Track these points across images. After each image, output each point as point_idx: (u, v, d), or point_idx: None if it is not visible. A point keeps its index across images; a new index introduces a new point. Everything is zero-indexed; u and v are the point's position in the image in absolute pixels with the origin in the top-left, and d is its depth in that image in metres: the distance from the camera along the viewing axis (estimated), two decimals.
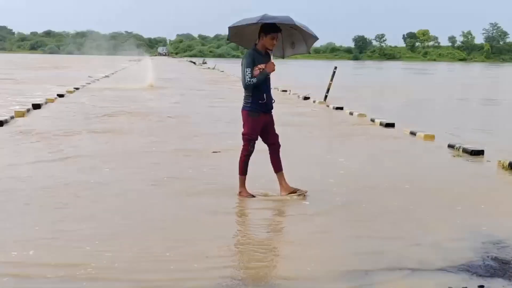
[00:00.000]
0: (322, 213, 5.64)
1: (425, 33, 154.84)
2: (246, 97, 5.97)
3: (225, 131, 10.99)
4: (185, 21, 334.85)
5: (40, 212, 5.38)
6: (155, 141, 9.78)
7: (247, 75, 5.75)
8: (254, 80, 5.76)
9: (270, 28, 5.74)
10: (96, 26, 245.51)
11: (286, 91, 22.61)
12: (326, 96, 18.81)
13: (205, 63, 68.87)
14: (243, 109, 6.03)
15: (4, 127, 10.90)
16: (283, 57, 6.48)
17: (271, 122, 6.13)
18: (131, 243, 4.56)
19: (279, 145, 6.22)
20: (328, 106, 17.20)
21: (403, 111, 17.82)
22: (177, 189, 6.47)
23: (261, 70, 5.79)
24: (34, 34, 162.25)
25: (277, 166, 6.21)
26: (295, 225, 5.33)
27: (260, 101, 5.90)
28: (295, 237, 4.95)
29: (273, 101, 6.06)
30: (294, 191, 6.19)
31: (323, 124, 13.37)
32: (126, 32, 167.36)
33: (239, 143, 6.15)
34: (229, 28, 5.97)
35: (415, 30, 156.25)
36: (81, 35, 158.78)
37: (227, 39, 6.28)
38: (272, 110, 6.12)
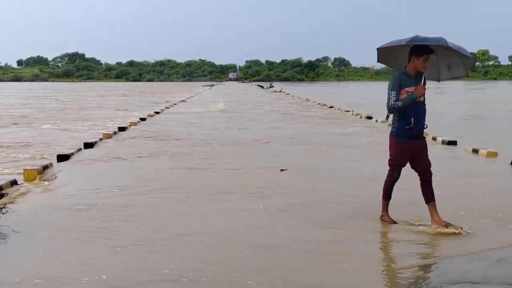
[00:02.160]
0: None
1: (485, 53, 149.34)
2: (393, 121, 5.49)
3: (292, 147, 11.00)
4: (253, 48, 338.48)
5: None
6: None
7: (391, 98, 5.26)
8: (400, 103, 5.24)
9: (422, 50, 5.21)
10: (173, 55, 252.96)
11: (349, 111, 22.38)
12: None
13: (272, 86, 69.38)
14: (390, 133, 5.54)
15: (94, 149, 11.35)
16: (438, 80, 5.88)
17: (421, 149, 5.46)
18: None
19: (431, 174, 5.45)
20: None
21: (461, 127, 17.19)
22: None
23: (409, 93, 5.28)
24: (119, 64, 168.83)
25: (427, 196, 5.43)
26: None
27: (406, 126, 5.31)
28: None
29: (425, 126, 5.45)
30: (446, 225, 5.28)
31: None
32: (200, 60, 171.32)
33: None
34: (378, 49, 5.56)
35: (475, 51, 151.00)
36: (160, 63, 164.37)
37: (377, 61, 5.77)
38: (424, 136, 5.55)
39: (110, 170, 8.78)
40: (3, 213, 5.28)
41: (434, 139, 12.94)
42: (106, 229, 5.28)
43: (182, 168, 8.95)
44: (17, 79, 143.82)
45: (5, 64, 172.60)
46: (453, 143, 12.15)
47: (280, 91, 53.08)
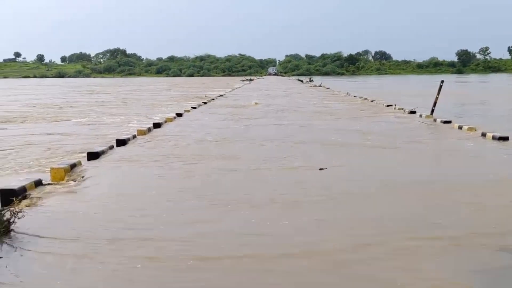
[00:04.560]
0: None
1: None
2: None
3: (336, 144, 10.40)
4: (293, 42, 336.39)
5: None
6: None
7: None
8: None
9: None
10: (213, 50, 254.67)
11: (391, 105, 21.51)
12: (433, 110, 17.54)
13: (312, 80, 68.63)
14: None
15: (126, 146, 11.02)
16: None
17: None
18: None
19: None
20: (435, 120, 15.97)
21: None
22: None
23: None
24: (159, 59, 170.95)
25: None
26: None
27: None
28: None
29: None
30: None
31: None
32: (240, 54, 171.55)
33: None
34: None
35: None
36: (200, 58, 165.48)
37: None
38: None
39: (144, 172, 8.23)
40: (19, 218, 4.94)
41: (483, 135, 12.12)
42: (130, 241, 4.85)
43: (227, 170, 8.34)
44: (61, 75, 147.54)
45: (50, 61, 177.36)
46: (504, 138, 11.32)
47: (319, 85, 52.23)
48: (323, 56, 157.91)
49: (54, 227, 5.06)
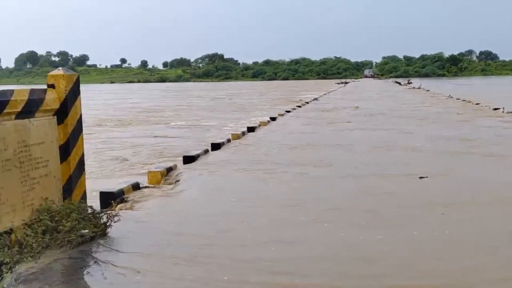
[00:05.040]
0: None
1: None
2: None
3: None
4: (390, 44, 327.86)
5: None
6: None
7: None
8: None
9: None
10: (308, 54, 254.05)
11: (498, 109, 20.06)
12: None
13: (410, 83, 66.22)
14: None
15: (220, 150, 11.11)
16: None
17: None
18: None
19: None
20: None
21: None
22: None
23: None
24: (255, 63, 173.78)
25: None
26: None
27: None
28: None
29: None
30: None
31: None
32: (335, 57, 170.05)
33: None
34: None
35: None
36: (295, 62, 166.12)
37: None
38: None
39: (237, 177, 8.09)
40: (115, 222, 5.04)
41: None
42: (225, 248, 4.77)
43: (321, 177, 8.06)
44: (162, 79, 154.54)
45: (152, 66, 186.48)
46: None
47: (418, 88, 50.25)
48: (423, 57, 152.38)
49: (147, 232, 5.10)
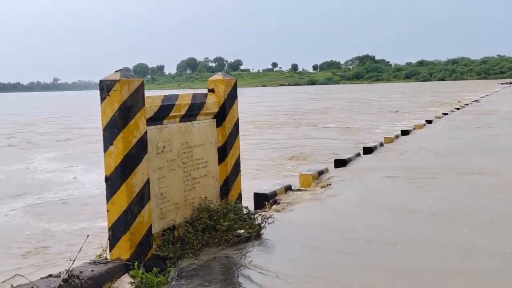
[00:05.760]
0: None
1: None
2: None
3: None
4: None
5: None
6: None
7: None
8: None
9: None
10: (467, 53, 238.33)
11: None
12: None
13: None
14: None
15: (372, 155, 10.81)
16: None
17: None
18: None
19: None
20: None
21: None
22: None
23: None
24: (408, 64, 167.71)
25: None
26: None
27: None
28: None
29: None
30: None
31: None
32: (498, 56, 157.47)
33: None
34: None
35: None
36: (452, 62, 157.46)
37: None
38: None
39: (390, 185, 7.71)
40: (269, 223, 5.12)
41: None
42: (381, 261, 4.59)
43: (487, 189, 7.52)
44: (312, 82, 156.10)
45: (302, 69, 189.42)
46: None
47: None
48: None
49: (299, 236, 5.09)
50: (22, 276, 3.47)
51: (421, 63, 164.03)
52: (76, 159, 14.59)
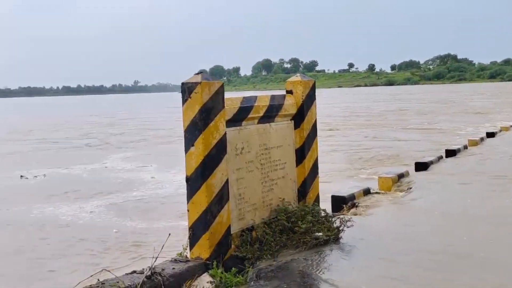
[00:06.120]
0: None
1: None
2: None
3: None
4: None
5: None
6: None
7: None
8: None
9: None
10: None
11: None
12: None
13: None
14: None
15: (457, 157, 10.37)
16: None
17: None
18: None
19: None
20: None
21: None
22: None
23: None
24: (493, 63, 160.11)
25: None
26: None
27: None
28: None
29: None
30: None
31: None
32: None
33: None
34: None
35: None
36: None
37: None
38: None
39: (474, 191, 7.30)
40: (347, 227, 5.04)
41: None
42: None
43: None
44: (390, 83, 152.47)
45: (380, 70, 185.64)
46: None
47: None
48: None
49: (377, 241, 4.97)
50: (109, 271, 3.62)
51: (507, 62, 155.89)
52: (152, 159, 15.04)
